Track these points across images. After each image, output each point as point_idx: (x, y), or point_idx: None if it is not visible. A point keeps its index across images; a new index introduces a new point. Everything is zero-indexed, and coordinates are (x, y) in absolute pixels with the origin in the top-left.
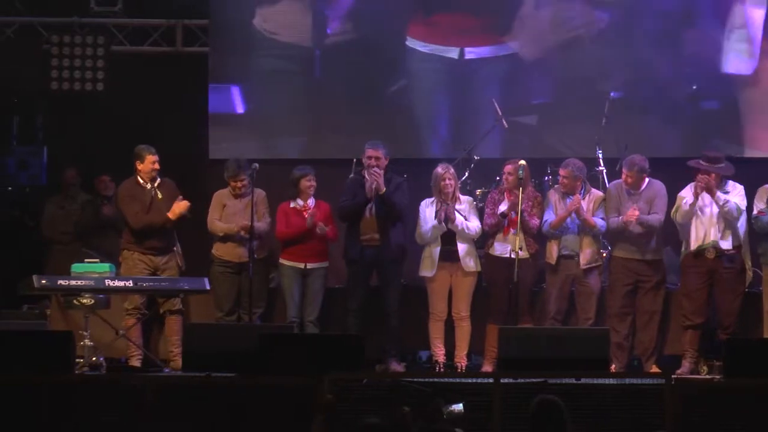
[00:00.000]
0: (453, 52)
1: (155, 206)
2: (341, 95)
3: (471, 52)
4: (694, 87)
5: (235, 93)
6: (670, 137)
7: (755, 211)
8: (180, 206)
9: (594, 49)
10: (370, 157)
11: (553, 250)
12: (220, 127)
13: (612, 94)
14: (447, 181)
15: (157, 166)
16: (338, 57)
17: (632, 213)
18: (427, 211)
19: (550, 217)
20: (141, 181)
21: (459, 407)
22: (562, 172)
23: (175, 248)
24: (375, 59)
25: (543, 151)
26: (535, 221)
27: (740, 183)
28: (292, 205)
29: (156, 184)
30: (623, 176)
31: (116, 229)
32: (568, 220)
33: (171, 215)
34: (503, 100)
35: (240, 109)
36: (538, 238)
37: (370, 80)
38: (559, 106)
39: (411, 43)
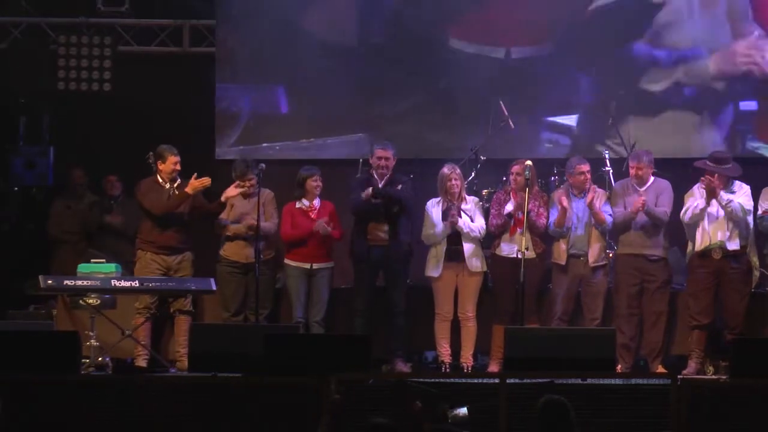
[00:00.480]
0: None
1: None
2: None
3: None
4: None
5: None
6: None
7: (760, 211)
8: (201, 181)
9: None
10: (380, 158)
11: (561, 250)
12: (230, 127)
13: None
14: (453, 182)
15: (178, 167)
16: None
17: (640, 199)
18: (434, 211)
19: (554, 217)
20: (160, 180)
21: (463, 411)
22: (583, 167)
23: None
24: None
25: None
26: (543, 221)
27: (753, 183)
28: (297, 205)
29: (175, 185)
30: (632, 171)
31: (124, 235)
32: (575, 218)
33: (189, 189)
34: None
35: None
36: (544, 237)
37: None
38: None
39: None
